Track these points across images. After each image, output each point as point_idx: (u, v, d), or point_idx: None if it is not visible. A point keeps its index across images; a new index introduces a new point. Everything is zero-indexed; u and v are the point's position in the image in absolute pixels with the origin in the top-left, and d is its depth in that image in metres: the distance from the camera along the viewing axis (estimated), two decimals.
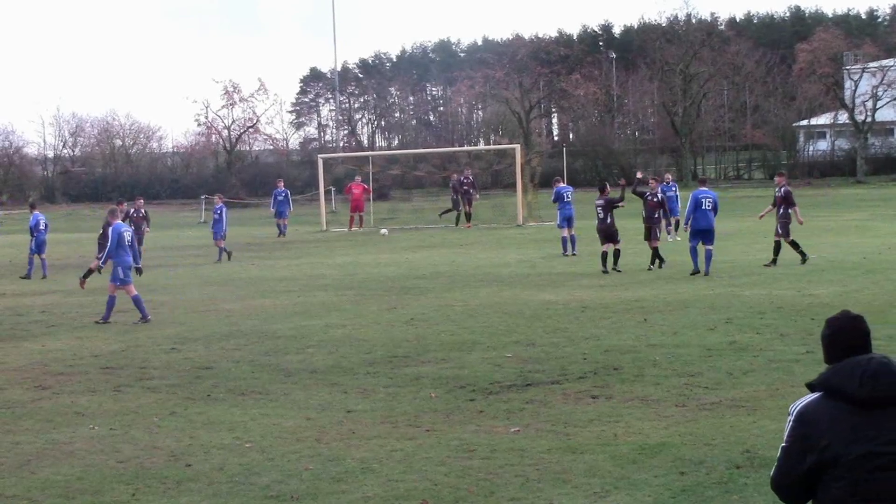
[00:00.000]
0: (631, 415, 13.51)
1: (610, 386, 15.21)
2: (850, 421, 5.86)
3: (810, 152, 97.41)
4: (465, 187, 53.61)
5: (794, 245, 30.56)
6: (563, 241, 36.26)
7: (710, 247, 29.05)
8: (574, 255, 35.53)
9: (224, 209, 40.69)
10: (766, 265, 30.01)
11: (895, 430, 5.85)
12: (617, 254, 30.63)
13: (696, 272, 28.73)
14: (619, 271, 30.06)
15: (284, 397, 15.36)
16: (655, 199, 31.84)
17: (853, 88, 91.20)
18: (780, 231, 30.64)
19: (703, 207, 29.31)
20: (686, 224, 29.87)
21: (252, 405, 14.92)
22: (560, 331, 20.24)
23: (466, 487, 10.83)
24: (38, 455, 12.74)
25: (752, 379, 15.29)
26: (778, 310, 21.66)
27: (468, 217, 53.11)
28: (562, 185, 38.58)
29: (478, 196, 54.52)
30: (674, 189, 40.87)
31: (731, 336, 18.86)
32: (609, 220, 30.81)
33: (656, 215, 31.81)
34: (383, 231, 51.39)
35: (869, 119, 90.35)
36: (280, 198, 53.21)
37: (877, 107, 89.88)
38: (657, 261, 30.66)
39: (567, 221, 36.31)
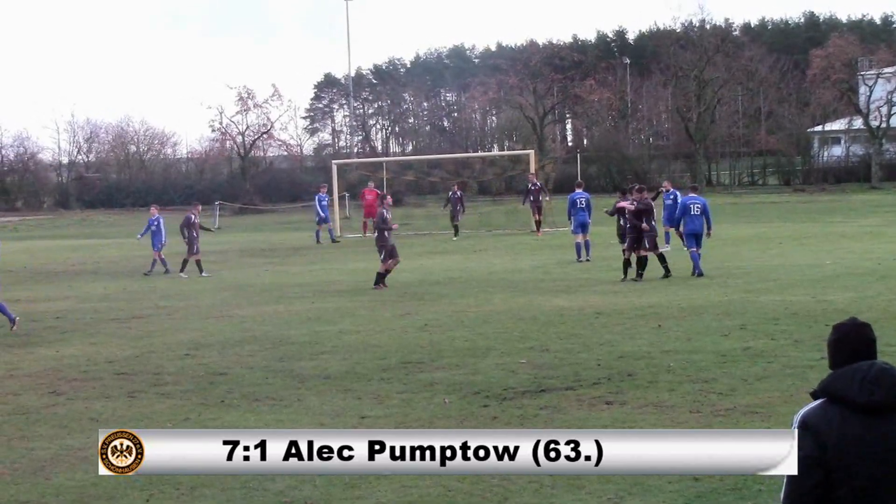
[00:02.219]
0: (645, 421, 13.48)
1: (624, 392, 15.19)
2: (849, 427, 5.85)
3: (825, 158, 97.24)
4: (534, 193, 50.70)
5: (661, 259, 30.12)
6: (577, 246, 36.22)
7: (699, 249, 30.32)
8: (588, 260, 35.49)
9: (161, 220, 38.99)
10: (632, 279, 29.53)
11: (895, 438, 5.84)
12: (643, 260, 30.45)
13: (700, 274, 29.56)
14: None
15: (298, 403, 15.35)
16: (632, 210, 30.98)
17: (868, 94, 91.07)
18: (647, 245, 30.09)
19: (692, 213, 30.66)
20: (676, 229, 31.60)
21: (266, 411, 14.91)
22: (574, 336, 20.22)
23: (480, 493, 10.82)
24: (52, 461, 12.76)
25: (766, 385, 15.25)
26: (792, 316, 21.60)
27: (538, 226, 50.33)
28: (578, 191, 38.25)
29: (548, 198, 52.30)
30: (672, 197, 38.54)
31: (746, 342, 18.82)
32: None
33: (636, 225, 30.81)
34: None
35: (884, 125, 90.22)
36: (324, 202, 52.53)
37: (892, 112, 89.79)
38: (630, 271, 29.92)
39: (581, 227, 36.26)
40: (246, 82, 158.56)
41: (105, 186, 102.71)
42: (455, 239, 50.06)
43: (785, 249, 37.44)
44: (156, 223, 38.69)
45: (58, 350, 21.08)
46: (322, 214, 52.48)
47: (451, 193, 54.19)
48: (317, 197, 53.29)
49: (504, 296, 27.30)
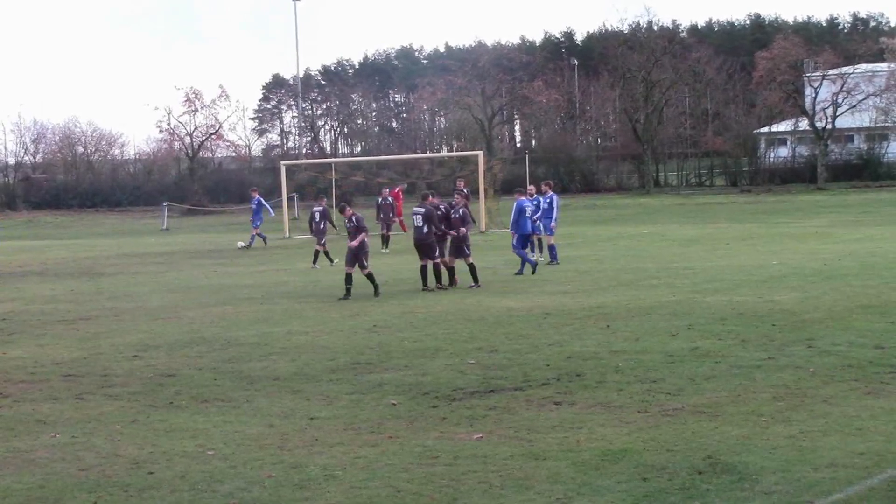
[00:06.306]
0: (593, 421, 13.53)
1: (573, 392, 15.23)
2: None
3: (771, 159, 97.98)
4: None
5: (451, 271, 30.16)
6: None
7: (527, 251, 32.47)
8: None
9: None
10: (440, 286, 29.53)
11: None
12: (437, 268, 29.82)
13: (534, 269, 31.70)
14: (442, 288, 29.47)
15: (247, 404, 15.31)
16: (457, 216, 30.37)
17: (813, 96, 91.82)
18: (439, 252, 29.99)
19: (527, 215, 32.26)
20: (511, 231, 32.98)
21: (215, 412, 14.86)
22: (523, 337, 20.26)
23: (429, 494, 10.83)
24: None
25: (713, 385, 15.33)
26: (739, 316, 21.73)
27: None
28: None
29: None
30: (549, 201, 35.84)
31: (693, 342, 18.91)
32: (426, 232, 29.61)
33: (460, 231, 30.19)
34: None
35: (829, 126, 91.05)
36: (253, 205, 50.07)
37: (837, 114, 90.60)
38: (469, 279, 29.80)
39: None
40: (194, 83, 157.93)
41: (52, 187, 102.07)
42: (384, 251, 45.20)
43: (732, 250, 37.68)
44: None
45: (4, 352, 20.92)
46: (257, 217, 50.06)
47: (380, 199, 49.16)
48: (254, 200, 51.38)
49: (453, 296, 27.36)
